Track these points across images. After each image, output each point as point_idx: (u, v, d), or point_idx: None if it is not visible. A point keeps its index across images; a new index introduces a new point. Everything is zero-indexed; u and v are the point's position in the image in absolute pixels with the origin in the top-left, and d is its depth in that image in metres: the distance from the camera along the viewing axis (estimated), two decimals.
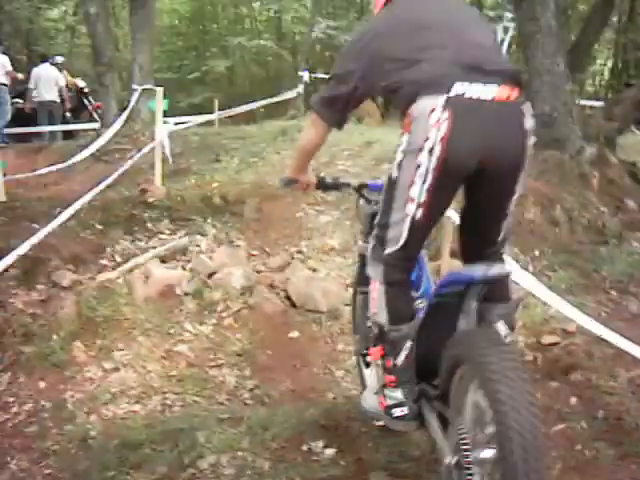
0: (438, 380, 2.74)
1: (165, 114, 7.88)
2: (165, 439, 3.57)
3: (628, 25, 19.43)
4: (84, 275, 5.58)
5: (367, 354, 3.43)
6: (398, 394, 2.92)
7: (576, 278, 5.84)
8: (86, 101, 15.58)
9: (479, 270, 2.58)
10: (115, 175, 6.57)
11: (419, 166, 2.59)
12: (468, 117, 2.54)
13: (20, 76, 13.69)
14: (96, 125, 13.49)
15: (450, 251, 5.58)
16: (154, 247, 6.03)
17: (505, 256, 2.93)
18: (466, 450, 2.42)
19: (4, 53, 13.24)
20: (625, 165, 8.20)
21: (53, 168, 9.10)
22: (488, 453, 2.33)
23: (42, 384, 4.55)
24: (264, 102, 13.92)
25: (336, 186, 3.68)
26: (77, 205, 5.37)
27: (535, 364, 4.34)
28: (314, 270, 5.72)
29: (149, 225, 6.50)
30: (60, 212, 5.39)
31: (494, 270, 2.57)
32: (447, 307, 2.73)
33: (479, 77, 2.56)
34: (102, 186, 6.04)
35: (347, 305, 5.18)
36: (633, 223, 7.31)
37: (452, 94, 2.52)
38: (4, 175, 8.28)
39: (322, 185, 3.61)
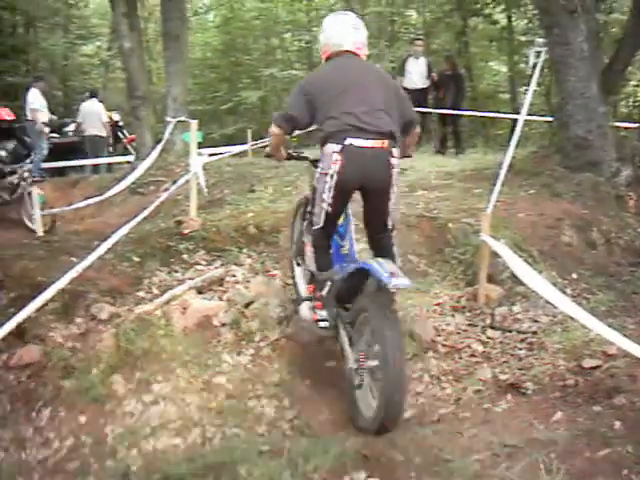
0: (350, 312, 4.59)
1: (199, 146, 7.94)
2: (206, 473, 3.58)
3: None
4: (122, 308, 5.62)
5: (299, 263, 5.42)
6: (323, 313, 4.77)
7: (615, 300, 5.79)
8: (120, 134, 15.81)
9: (384, 276, 4.08)
10: (152, 207, 6.63)
11: (326, 183, 4.46)
12: (353, 158, 4.37)
13: (53, 117, 13.90)
14: (131, 158, 13.64)
15: (487, 276, 5.58)
16: (191, 278, 6.05)
17: (394, 240, 4.81)
18: (361, 360, 4.24)
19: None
20: None
21: (90, 201, 9.21)
22: (374, 362, 4.16)
23: (82, 419, 4.59)
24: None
25: (298, 158, 5.34)
26: (115, 238, 5.40)
27: (577, 388, 4.29)
28: None
29: (185, 256, 6.52)
30: (98, 245, 5.42)
31: (398, 282, 4.07)
32: (361, 274, 4.47)
33: (363, 135, 4.37)
34: (139, 219, 6.08)
35: None
36: None
37: (345, 144, 4.36)
38: (42, 209, 8.41)
39: (289, 157, 5.26)
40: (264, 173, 9.57)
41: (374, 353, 4.15)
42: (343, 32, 4.75)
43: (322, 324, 4.73)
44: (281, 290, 5.84)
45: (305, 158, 5.27)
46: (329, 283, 4.71)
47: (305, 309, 4.92)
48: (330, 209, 4.53)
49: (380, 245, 4.78)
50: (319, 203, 4.56)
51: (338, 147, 4.34)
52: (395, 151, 4.43)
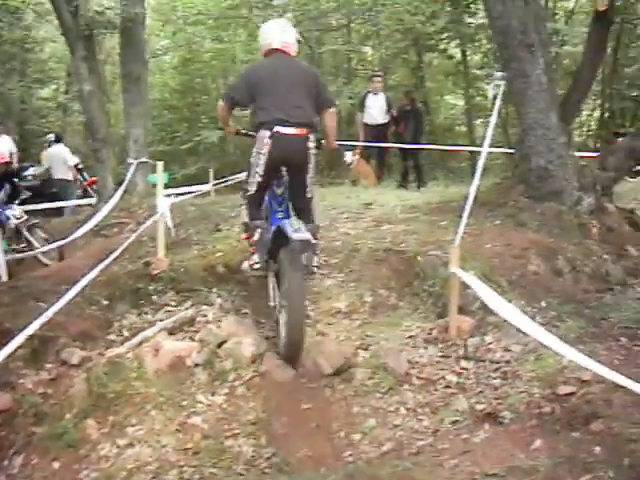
0: (276, 264, 5.76)
1: (166, 187, 7.94)
2: None
3: (613, 76, 19.79)
4: (93, 352, 5.59)
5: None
6: (255, 257, 5.97)
7: (585, 327, 5.83)
8: (80, 177, 15.70)
9: (289, 232, 5.35)
10: (121, 249, 6.59)
11: (260, 160, 5.77)
12: (279, 142, 5.68)
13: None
14: (92, 200, 13.56)
15: (458, 307, 5.62)
16: (161, 320, 6.03)
17: (312, 205, 6.16)
18: (280, 300, 5.53)
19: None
20: (623, 213, 8.29)
21: (53, 245, 9.13)
22: (284, 302, 5.34)
23: (56, 464, 4.54)
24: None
25: (246, 135, 6.36)
26: (84, 281, 5.35)
27: (553, 415, 4.30)
28: (322, 334, 5.71)
29: (155, 298, 6.50)
30: (65, 289, 5.37)
31: (299, 235, 5.33)
32: (282, 232, 5.49)
33: (287, 124, 5.68)
34: (108, 261, 6.04)
35: (359, 367, 5.20)
36: (636, 269, 7.39)
37: (274, 131, 5.66)
38: (5, 254, 8.32)
39: (238, 133, 6.51)
40: (228, 212, 9.56)
41: (284, 295, 5.42)
42: (272, 33, 6.11)
43: (255, 266, 5.98)
44: (253, 328, 5.83)
45: (252, 136, 6.01)
46: (259, 230, 5.97)
47: (244, 264, 6.18)
48: (261, 179, 5.88)
49: (301, 210, 6.07)
50: (253, 175, 5.90)
51: (268, 133, 5.69)
52: (311, 137, 5.84)
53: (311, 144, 5.82)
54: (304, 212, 6.06)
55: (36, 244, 9.65)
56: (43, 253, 9.40)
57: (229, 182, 12.90)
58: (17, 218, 9.80)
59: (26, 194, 11.63)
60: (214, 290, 6.53)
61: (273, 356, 5.41)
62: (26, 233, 9.76)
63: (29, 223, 9.91)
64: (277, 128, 5.66)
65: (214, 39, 20.74)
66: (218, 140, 20.23)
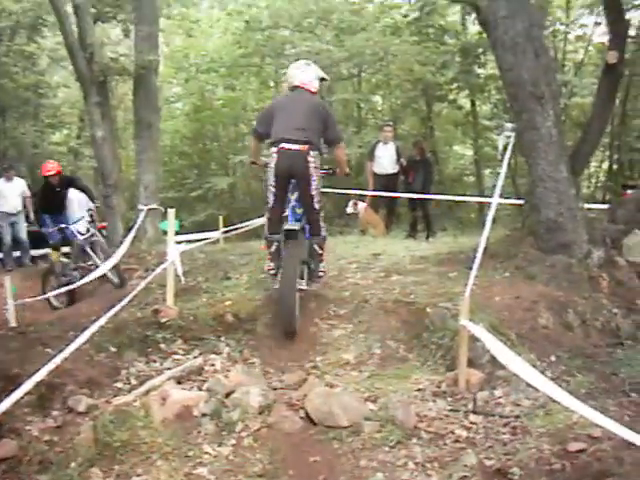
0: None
1: (176, 234, 7.97)
2: None
3: (621, 128, 19.90)
4: (100, 399, 5.56)
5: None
6: (271, 264, 7.17)
7: (595, 382, 5.80)
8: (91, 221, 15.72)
9: (287, 225, 6.94)
10: (130, 296, 6.59)
11: (270, 173, 6.86)
12: (284, 156, 6.77)
13: None
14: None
15: (467, 360, 5.58)
16: (169, 368, 6.02)
17: (319, 216, 7.19)
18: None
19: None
20: (633, 266, 8.25)
21: (62, 290, 9.15)
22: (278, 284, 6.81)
23: None
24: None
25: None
26: (93, 328, 5.35)
27: (564, 472, 4.25)
28: (331, 386, 5.67)
29: (163, 346, 6.49)
30: (75, 336, 5.37)
31: (285, 226, 6.90)
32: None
33: (290, 142, 6.75)
34: (117, 308, 6.04)
35: (367, 419, 5.14)
36: None
37: (279, 147, 6.78)
38: (14, 300, 8.33)
39: (266, 165, 7.14)
40: (237, 260, 9.58)
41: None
42: (294, 73, 7.37)
43: (271, 271, 7.19)
44: (261, 378, 5.81)
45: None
46: (275, 243, 7.07)
47: (265, 267, 7.48)
48: (274, 190, 6.94)
49: (310, 222, 7.19)
50: (268, 188, 7.00)
51: (275, 149, 6.86)
52: (312, 153, 6.83)
53: (311, 159, 6.84)
54: (312, 224, 7.21)
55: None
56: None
57: (239, 230, 12.93)
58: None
59: None
60: (222, 339, 6.54)
61: (281, 407, 5.38)
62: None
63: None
64: (282, 145, 6.83)
65: (226, 87, 20.98)
66: (228, 187, 20.37)
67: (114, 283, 9.64)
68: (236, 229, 12.89)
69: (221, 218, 13.09)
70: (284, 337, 6.59)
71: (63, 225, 10.40)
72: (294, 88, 7.27)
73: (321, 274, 7.38)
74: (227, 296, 7.41)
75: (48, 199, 10.81)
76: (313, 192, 6.94)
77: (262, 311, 6.88)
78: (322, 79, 7.57)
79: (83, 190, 10.94)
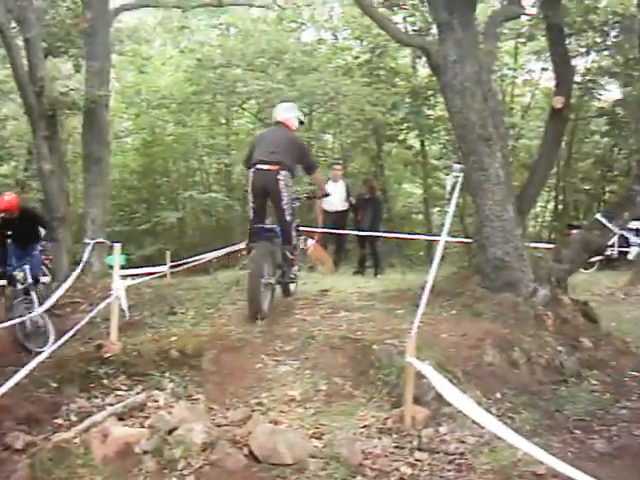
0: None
1: (122, 268, 7.88)
2: None
3: (566, 170, 20.33)
4: (38, 436, 5.42)
5: None
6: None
7: (540, 419, 5.85)
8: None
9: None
10: (73, 331, 6.48)
11: (248, 190, 8.30)
12: (258, 175, 8.06)
13: None
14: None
15: (413, 397, 5.57)
16: (111, 404, 5.88)
17: (291, 226, 8.35)
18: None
19: None
20: (577, 305, 8.39)
21: (5, 325, 8.94)
22: None
23: None
24: (217, 253, 14.01)
25: None
26: (34, 363, 5.22)
27: None
28: (276, 423, 5.60)
29: (105, 381, 6.36)
30: (15, 371, 5.24)
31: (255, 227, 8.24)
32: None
33: (263, 163, 8.01)
34: (60, 342, 5.93)
35: (312, 457, 5.08)
36: (590, 361, 7.43)
37: (255, 167, 8.07)
38: None
39: None
40: (184, 295, 9.51)
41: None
42: (277, 111, 8.82)
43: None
44: (205, 414, 5.71)
45: None
46: (253, 250, 8.05)
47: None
48: (252, 205, 8.25)
49: (282, 231, 8.28)
50: (249, 204, 8.37)
51: (252, 169, 8.12)
52: (283, 172, 8.00)
53: (281, 177, 8.00)
54: (285, 234, 8.33)
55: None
56: None
57: (187, 265, 12.84)
58: None
59: None
60: (167, 375, 6.42)
61: (225, 444, 5.29)
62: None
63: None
64: (257, 165, 8.07)
65: (177, 123, 20.94)
66: (177, 222, 20.26)
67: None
68: (184, 264, 12.80)
69: (168, 253, 12.98)
70: (251, 321, 7.59)
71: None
72: (276, 123, 8.71)
73: (293, 276, 8.69)
74: (172, 331, 7.34)
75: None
76: (284, 206, 8.10)
77: (208, 347, 6.79)
78: (301, 122, 9.10)
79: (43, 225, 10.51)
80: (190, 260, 13.00)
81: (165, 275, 12.31)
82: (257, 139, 8.72)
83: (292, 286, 8.86)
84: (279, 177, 7.98)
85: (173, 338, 7.04)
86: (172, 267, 12.60)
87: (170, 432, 5.33)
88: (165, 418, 5.51)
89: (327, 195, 9.71)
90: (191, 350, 6.71)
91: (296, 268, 8.73)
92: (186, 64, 20.28)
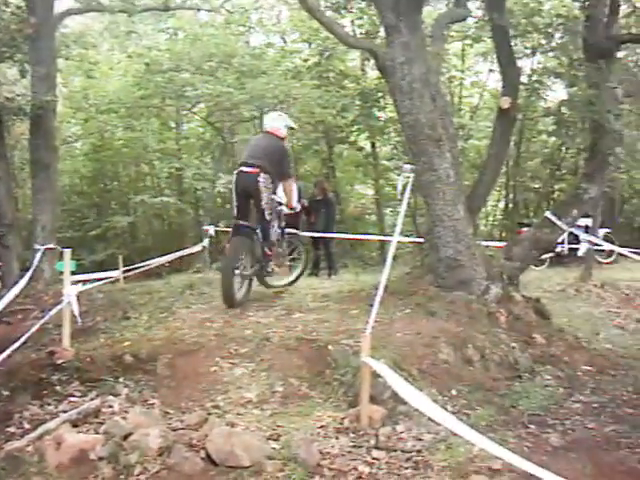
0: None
1: (73, 274, 7.78)
2: None
3: (516, 169, 20.60)
4: None
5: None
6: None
7: (495, 415, 5.91)
8: None
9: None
10: (24, 338, 6.38)
11: (232, 190, 9.01)
12: (239, 177, 8.82)
13: None
14: None
15: (369, 397, 5.58)
16: (65, 411, 5.79)
17: (271, 225, 9.04)
18: None
19: None
20: (529, 301, 8.51)
21: None
22: None
23: None
24: (170, 257, 13.92)
25: None
26: None
27: None
28: (233, 425, 5.58)
29: (58, 388, 6.27)
30: None
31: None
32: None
33: (245, 166, 8.77)
34: (10, 350, 5.83)
35: (269, 458, 5.06)
36: (543, 357, 7.55)
37: (238, 171, 8.86)
38: None
39: None
40: (137, 299, 9.43)
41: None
42: (267, 120, 9.55)
43: None
44: (161, 419, 5.67)
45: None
46: (229, 244, 8.93)
47: None
48: (236, 204, 8.91)
49: (261, 229, 8.94)
50: (233, 203, 9.00)
51: (236, 172, 8.91)
52: (263, 175, 8.65)
53: (261, 179, 8.65)
54: (264, 231, 8.98)
55: None
56: None
57: (139, 269, 12.73)
58: None
59: None
60: (121, 380, 6.35)
61: (181, 448, 5.25)
62: None
63: None
64: (240, 168, 8.85)
65: (126, 127, 20.73)
66: (128, 226, 20.07)
67: None
68: (136, 268, 12.69)
69: (121, 257, 12.86)
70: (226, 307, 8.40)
71: None
72: (265, 132, 9.38)
73: (270, 270, 9.32)
74: (126, 336, 7.28)
75: None
76: (264, 206, 8.77)
77: (162, 351, 6.74)
78: (291, 127, 9.72)
79: None
80: (143, 264, 12.89)
81: (118, 280, 12.19)
82: (246, 145, 9.68)
83: (269, 279, 9.56)
84: (259, 179, 8.65)
85: (127, 343, 6.98)
86: (125, 272, 12.48)
87: (125, 437, 5.29)
88: (120, 424, 5.46)
89: (292, 209, 9.76)
90: (145, 355, 6.66)
91: (273, 263, 9.33)
92: (134, 68, 20.09)
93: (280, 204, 9.45)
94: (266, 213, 8.81)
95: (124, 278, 12.36)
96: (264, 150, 8.92)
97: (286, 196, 9.47)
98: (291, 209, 9.72)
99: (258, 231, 8.96)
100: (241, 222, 8.84)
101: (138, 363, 6.60)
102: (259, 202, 8.73)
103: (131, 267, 12.68)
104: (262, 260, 9.08)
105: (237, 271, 8.58)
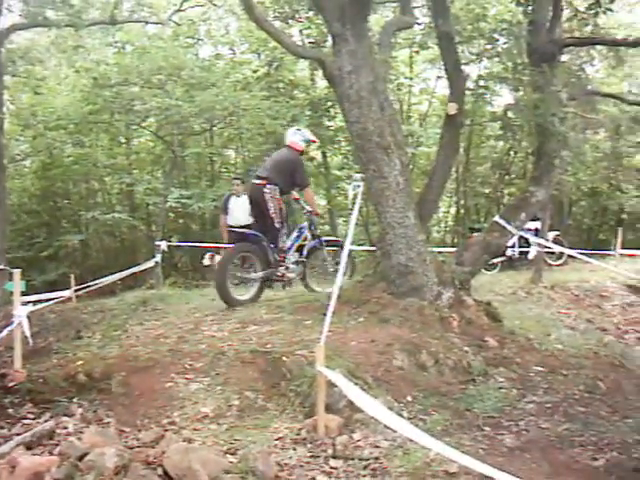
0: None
1: (23, 294, 7.68)
2: None
3: (466, 175, 20.81)
4: None
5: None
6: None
7: (450, 419, 5.96)
8: None
9: None
10: None
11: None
12: (252, 189, 9.94)
13: None
14: None
15: (325, 406, 5.60)
16: (18, 434, 5.71)
17: (281, 232, 9.88)
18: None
19: None
20: (481, 305, 8.61)
21: None
22: None
23: None
24: (122, 274, 13.80)
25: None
26: None
27: None
28: (189, 441, 5.56)
29: (11, 411, 6.18)
30: None
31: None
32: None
33: (256, 178, 9.77)
34: None
35: (227, 473, 5.05)
36: (496, 359, 7.64)
37: (251, 183, 10.04)
38: None
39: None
40: (90, 318, 9.36)
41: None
42: (287, 135, 10.33)
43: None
44: (116, 438, 5.62)
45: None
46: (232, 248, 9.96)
47: None
48: (251, 213, 10.00)
49: (271, 237, 9.70)
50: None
51: (251, 184, 9.93)
52: (269, 186, 9.51)
53: (267, 191, 9.51)
54: (274, 239, 9.74)
55: None
56: None
57: (92, 287, 12.62)
58: None
59: None
60: (75, 400, 6.29)
61: (138, 466, 5.21)
62: None
63: None
64: (253, 181, 9.85)
65: (75, 144, 20.53)
66: (80, 244, 19.86)
67: None
68: (89, 286, 12.57)
69: (73, 276, 12.73)
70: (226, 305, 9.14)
71: None
72: (284, 146, 10.22)
73: (279, 275, 9.97)
74: (79, 355, 7.20)
75: None
76: (272, 215, 9.57)
77: (116, 369, 6.68)
78: (311, 141, 10.65)
79: None
80: (95, 282, 12.77)
81: (70, 299, 12.06)
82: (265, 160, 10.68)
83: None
84: (265, 190, 9.51)
85: (80, 362, 6.90)
86: (77, 291, 12.36)
87: (81, 458, 5.22)
88: (75, 444, 5.39)
89: (318, 215, 11.00)
90: (99, 373, 6.60)
91: (282, 269, 9.97)
92: (82, 83, 19.90)
93: (310, 212, 10.52)
94: (275, 221, 9.64)
95: (76, 297, 12.24)
96: (275, 163, 9.87)
97: (309, 205, 10.37)
98: (317, 215, 10.76)
99: (267, 238, 9.75)
100: (248, 230, 10.00)
101: (92, 382, 6.53)
102: (267, 211, 9.56)
103: (83, 286, 12.55)
104: (272, 265, 9.81)
105: (230, 272, 9.29)
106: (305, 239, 10.68)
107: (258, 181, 9.62)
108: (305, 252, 10.60)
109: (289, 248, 10.22)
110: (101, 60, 20.66)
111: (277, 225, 9.67)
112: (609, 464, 5.42)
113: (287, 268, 10.07)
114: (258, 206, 9.70)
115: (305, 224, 10.75)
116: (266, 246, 9.75)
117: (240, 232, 10.08)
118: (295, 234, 10.51)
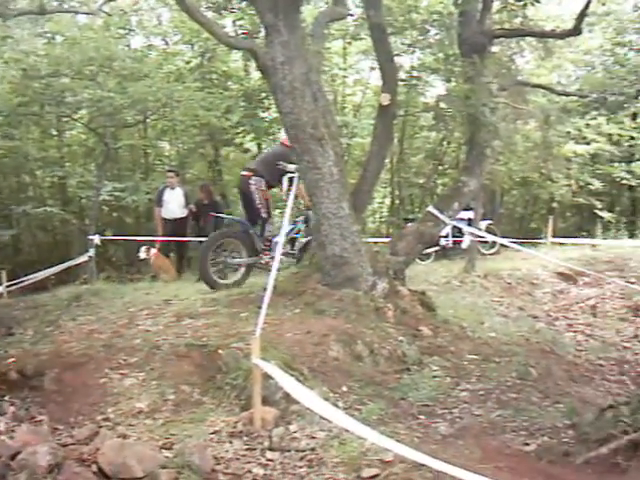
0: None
1: None
2: None
3: (400, 165, 20.98)
4: None
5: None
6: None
7: (385, 408, 6.02)
8: None
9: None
10: None
11: None
12: (240, 180, 10.70)
13: None
14: None
15: (261, 398, 5.61)
16: None
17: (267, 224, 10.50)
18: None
19: None
20: (415, 295, 8.71)
21: None
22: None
23: None
24: (55, 269, 13.59)
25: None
26: None
27: None
28: (124, 436, 5.51)
29: None
30: None
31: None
32: None
33: (244, 170, 10.54)
34: None
35: (163, 467, 5.02)
36: (430, 348, 7.75)
37: (240, 175, 10.78)
38: None
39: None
40: (22, 314, 9.20)
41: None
42: (283, 133, 9.97)
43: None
44: (49, 435, 5.54)
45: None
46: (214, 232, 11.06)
47: None
48: (241, 203, 10.78)
49: (259, 225, 10.27)
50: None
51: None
52: (254, 178, 10.10)
53: (252, 182, 10.12)
54: (261, 227, 10.35)
55: None
56: None
57: (24, 283, 12.41)
58: None
59: None
60: (6, 398, 6.15)
61: (72, 464, 5.14)
62: None
63: None
64: (241, 172, 10.60)
65: (4, 136, 20.09)
66: (11, 239, 19.48)
67: None
68: (21, 282, 12.36)
69: (4, 272, 12.49)
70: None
71: None
72: (280, 143, 10.66)
73: (262, 262, 10.40)
74: (10, 352, 7.06)
75: None
76: (257, 206, 10.20)
77: (49, 365, 6.57)
78: None
79: None
80: (27, 278, 12.56)
81: (1, 295, 11.85)
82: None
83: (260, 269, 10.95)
84: (250, 182, 10.14)
85: (11, 359, 6.77)
86: (8, 286, 12.14)
87: (13, 457, 5.13)
88: (7, 443, 5.31)
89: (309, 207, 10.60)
90: (31, 370, 6.48)
91: (267, 257, 10.31)
92: (11, 75, 19.48)
93: (307, 208, 10.45)
94: (261, 212, 10.26)
95: (8, 293, 12.02)
96: (264, 156, 10.94)
97: (302, 197, 10.28)
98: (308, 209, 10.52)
99: (254, 226, 10.35)
100: (235, 218, 11.47)
101: (24, 379, 6.42)
102: (252, 202, 10.22)
103: (15, 281, 12.32)
104: (256, 253, 10.38)
105: (212, 256, 9.92)
106: (298, 232, 10.91)
107: (245, 172, 10.33)
108: (297, 246, 10.83)
109: (277, 238, 10.18)
110: (30, 51, 20.21)
111: (263, 215, 10.27)
112: (540, 449, 5.55)
113: (272, 257, 9.81)
114: (245, 197, 10.39)
115: (301, 218, 10.99)
116: (253, 234, 10.34)
117: (230, 219, 11.67)
118: (289, 227, 10.49)
